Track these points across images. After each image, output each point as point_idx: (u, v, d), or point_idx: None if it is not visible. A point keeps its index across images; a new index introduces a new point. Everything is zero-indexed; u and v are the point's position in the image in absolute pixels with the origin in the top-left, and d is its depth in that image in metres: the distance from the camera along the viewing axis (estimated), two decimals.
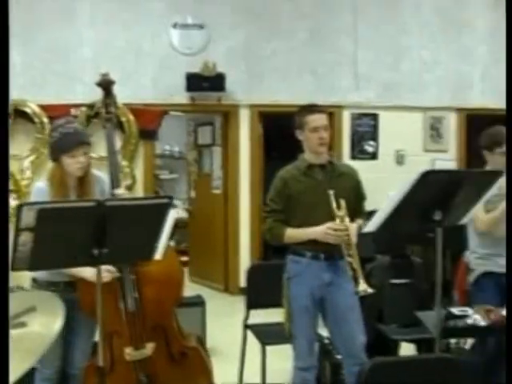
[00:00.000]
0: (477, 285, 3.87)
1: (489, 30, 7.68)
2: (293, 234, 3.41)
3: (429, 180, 2.60)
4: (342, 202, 3.33)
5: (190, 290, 5.66)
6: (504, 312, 3.40)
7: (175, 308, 3.49)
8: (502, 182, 3.09)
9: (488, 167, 3.89)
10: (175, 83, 6.99)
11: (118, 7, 6.93)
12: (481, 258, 3.88)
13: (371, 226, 2.81)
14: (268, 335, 4.18)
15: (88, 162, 3.21)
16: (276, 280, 3.57)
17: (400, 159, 7.46)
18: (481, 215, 3.63)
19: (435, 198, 2.70)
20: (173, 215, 2.57)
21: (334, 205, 3.31)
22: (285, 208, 3.45)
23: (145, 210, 2.53)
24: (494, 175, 2.95)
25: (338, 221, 3.29)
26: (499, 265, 3.81)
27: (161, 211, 2.53)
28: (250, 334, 4.38)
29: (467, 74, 7.66)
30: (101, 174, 3.40)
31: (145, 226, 2.56)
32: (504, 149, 3.72)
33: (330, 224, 3.28)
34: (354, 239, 3.27)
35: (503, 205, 3.61)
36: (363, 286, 3.18)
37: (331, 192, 3.33)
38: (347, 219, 3.30)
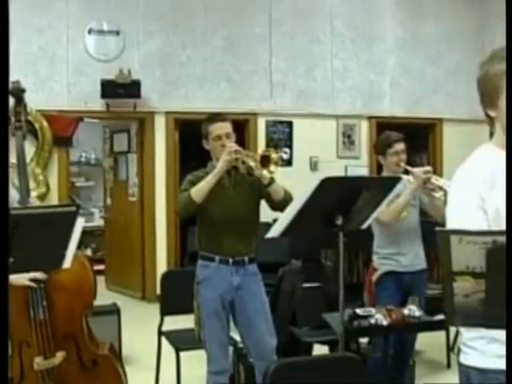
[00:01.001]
0: (379, 284, 4.05)
1: (398, 43, 8.01)
2: (197, 186, 3.39)
3: (328, 186, 2.70)
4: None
5: (107, 298, 5.62)
6: (405, 311, 3.57)
7: (87, 316, 3.48)
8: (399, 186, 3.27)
9: (384, 170, 4.13)
10: (90, 90, 6.93)
11: (32, 12, 6.81)
12: (383, 258, 4.06)
13: (275, 231, 2.89)
14: (182, 341, 4.20)
15: None
16: (190, 286, 3.62)
17: (314, 166, 7.64)
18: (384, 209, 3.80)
19: (336, 204, 2.82)
20: (80, 223, 2.56)
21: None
22: None
23: (51, 219, 2.52)
24: (393, 181, 3.10)
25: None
26: (400, 264, 4.02)
27: (68, 219, 2.52)
28: (165, 340, 4.40)
29: (377, 84, 7.96)
30: None
31: (52, 234, 2.54)
32: (394, 149, 3.98)
33: (224, 151, 3.39)
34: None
35: (404, 194, 3.79)
36: (264, 172, 3.31)
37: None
38: None
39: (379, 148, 4.11)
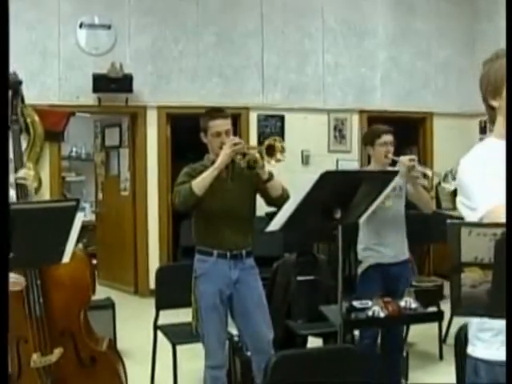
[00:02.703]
0: (364, 276, 4.09)
1: (389, 37, 8.03)
2: (199, 178, 3.38)
3: (328, 180, 2.72)
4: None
5: (99, 292, 5.62)
6: (402, 303, 3.61)
7: (85, 311, 3.45)
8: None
9: (372, 161, 4.19)
10: (82, 84, 6.91)
11: (22, 6, 6.74)
12: (367, 249, 4.10)
13: (275, 225, 2.91)
14: (178, 335, 4.22)
15: None
16: (184, 280, 3.63)
17: (305, 160, 7.66)
18: None
19: (335, 197, 2.84)
20: (80, 218, 2.56)
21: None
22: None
23: (51, 214, 2.51)
24: (390, 175, 3.12)
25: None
26: (384, 255, 4.06)
27: (68, 214, 2.52)
28: (160, 335, 4.41)
29: (368, 78, 7.98)
30: None
31: (52, 229, 2.54)
32: (382, 139, 4.05)
33: (226, 144, 3.38)
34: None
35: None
36: (272, 162, 3.32)
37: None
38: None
39: (368, 139, 4.17)
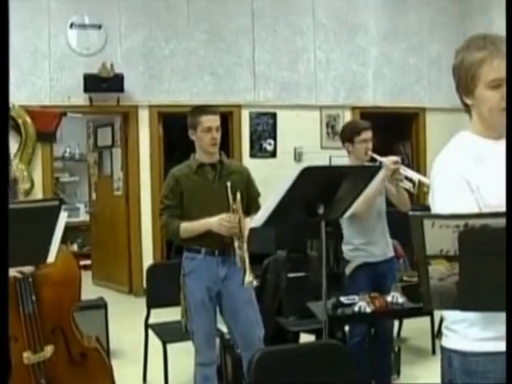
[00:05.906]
0: (352, 276, 4.04)
1: (381, 33, 8.03)
2: (188, 226, 3.47)
3: (309, 176, 2.72)
4: (238, 195, 3.44)
5: (93, 293, 5.62)
6: (388, 298, 3.61)
7: (73, 310, 3.48)
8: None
9: (351, 157, 4.08)
10: (73, 84, 6.91)
11: (12, 6, 6.68)
12: (356, 250, 4.05)
13: (257, 221, 2.91)
14: (169, 333, 4.22)
15: None
16: (176, 279, 3.63)
17: (298, 157, 7.65)
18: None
19: (318, 193, 2.83)
20: (63, 217, 2.56)
21: (230, 197, 3.43)
22: (179, 205, 3.54)
23: (34, 214, 2.51)
24: (373, 170, 3.12)
25: (231, 213, 3.40)
26: (372, 254, 4.02)
27: (51, 214, 2.52)
28: (152, 333, 4.41)
29: (360, 74, 7.98)
30: None
31: (35, 229, 2.54)
32: (362, 137, 3.96)
33: (223, 215, 3.39)
34: (246, 233, 3.37)
35: (374, 184, 3.75)
36: (249, 279, 3.29)
37: (228, 184, 3.45)
38: (241, 212, 3.41)
39: (347, 135, 4.05)
